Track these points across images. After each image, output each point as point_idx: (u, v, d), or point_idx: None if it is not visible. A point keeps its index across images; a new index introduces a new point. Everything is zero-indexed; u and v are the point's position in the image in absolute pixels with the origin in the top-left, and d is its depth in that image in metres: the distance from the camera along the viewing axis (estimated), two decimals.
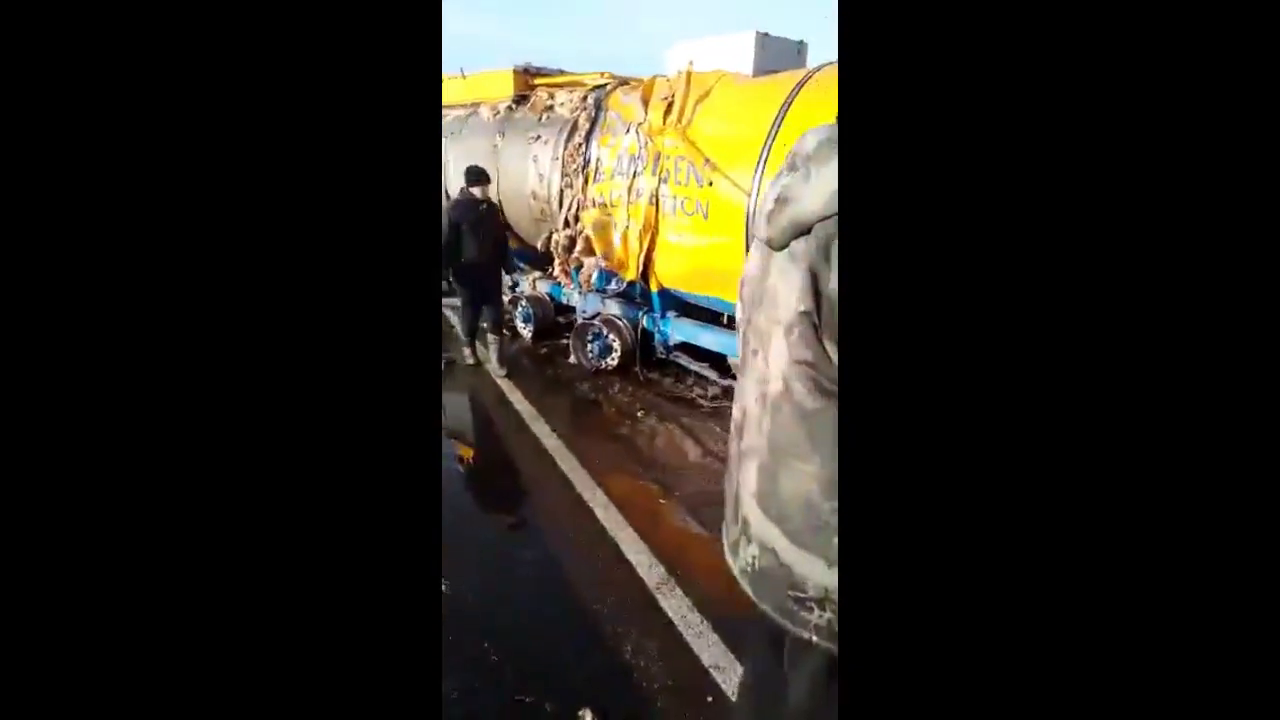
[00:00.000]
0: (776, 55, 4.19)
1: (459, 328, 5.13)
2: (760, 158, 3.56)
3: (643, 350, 4.64)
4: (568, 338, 5.36)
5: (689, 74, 4.07)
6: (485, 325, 4.89)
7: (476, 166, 4.66)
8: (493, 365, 4.88)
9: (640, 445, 3.62)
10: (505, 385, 4.48)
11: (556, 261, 5.28)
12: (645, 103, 4.35)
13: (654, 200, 4.15)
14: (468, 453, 3.51)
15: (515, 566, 2.46)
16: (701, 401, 4.23)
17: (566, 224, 4.98)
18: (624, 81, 4.87)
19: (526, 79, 5.52)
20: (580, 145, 4.70)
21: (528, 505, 2.99)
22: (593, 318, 4.86)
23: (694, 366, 4.53)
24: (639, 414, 4.00)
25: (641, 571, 2.41)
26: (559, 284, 5.42)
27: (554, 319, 5.62)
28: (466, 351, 5.07)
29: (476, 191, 4.56)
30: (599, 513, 2.83)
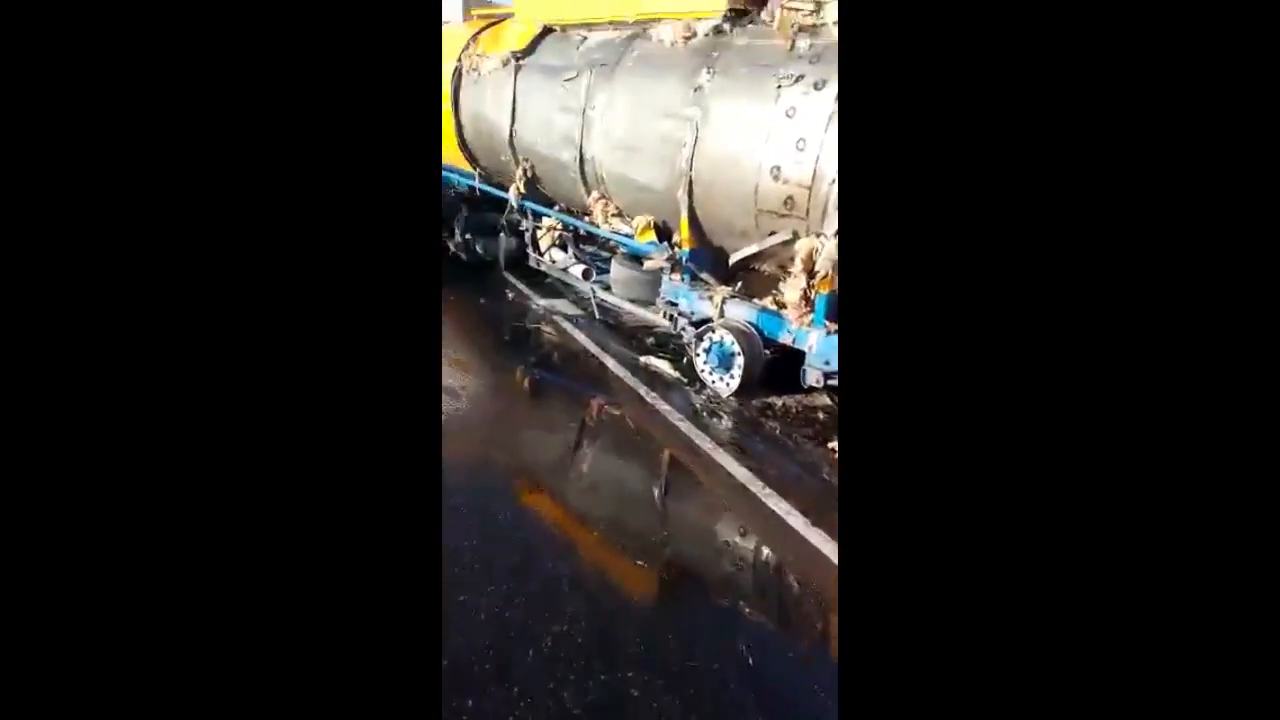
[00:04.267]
0: None
1: None
2: None
3: None
4: (782, 398, 3.50)
5: None
6: None
7: None
8: None
9: None
10: (803, 527, 2.58)
11: (792, 282, 3.36)
12: None
13: None
14: None
15: None
16: None
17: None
18: None
19: None
20: None
21: None
22: None
23: None
24: None
25: None
26: (775, 313, 3.51)
27: (762, 363, 3.69)
28: None
29: None
30: None
